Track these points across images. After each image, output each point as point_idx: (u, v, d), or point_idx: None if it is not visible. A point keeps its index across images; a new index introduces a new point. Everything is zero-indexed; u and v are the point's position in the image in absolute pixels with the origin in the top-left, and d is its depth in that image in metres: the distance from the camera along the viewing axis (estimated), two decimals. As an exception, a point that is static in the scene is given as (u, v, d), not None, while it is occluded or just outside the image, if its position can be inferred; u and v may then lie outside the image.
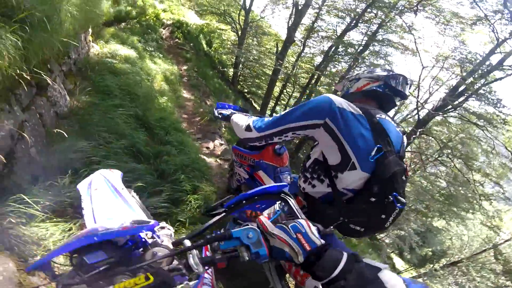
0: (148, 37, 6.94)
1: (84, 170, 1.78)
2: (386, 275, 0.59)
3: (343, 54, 9.38)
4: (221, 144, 4.31)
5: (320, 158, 1.06)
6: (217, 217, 0.74)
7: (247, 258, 0.62)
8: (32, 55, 1.72)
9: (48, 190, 1.59)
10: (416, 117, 7.70)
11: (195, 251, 0.63)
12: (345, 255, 0.64)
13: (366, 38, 8.52)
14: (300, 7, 7.86)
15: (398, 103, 1.20)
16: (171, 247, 0.74)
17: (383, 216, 1.00)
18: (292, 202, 0.75)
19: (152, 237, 0.78)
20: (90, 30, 3.86)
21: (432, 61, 7.82)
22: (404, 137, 1.14)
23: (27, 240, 1.33)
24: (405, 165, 1.02)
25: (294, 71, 9.79)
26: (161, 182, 2.15)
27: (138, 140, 2.44)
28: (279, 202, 0.80)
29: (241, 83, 11.52)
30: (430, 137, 7.87)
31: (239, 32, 10.03)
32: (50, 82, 2.07)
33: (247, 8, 9.68)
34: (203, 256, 0.67)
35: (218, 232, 0.66)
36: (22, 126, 1.70)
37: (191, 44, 9.10)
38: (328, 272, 0.61)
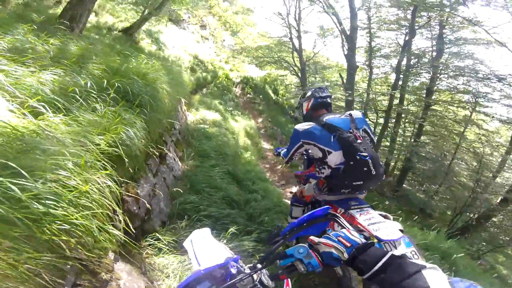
0: (226, 97, 8.15)
1: (195, 216, 2.34)
2: (430, 272, 0.57)
3: (417, 66, 8.40)
4: (304, 188, 4.45)
5: (317, 157, 1.75)
6: (277, 244, 0.88)
7: (303, 269, 0.76)
8: (152, 131, 2.36)
9: (171, 231, 2.16)
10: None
11: (264, 271, 0.82)
12: (390, 252, 0.66)
13: (434, 42, 7.54)
14: (348, 33, 7.75)
15: (330, 101, 1.94)
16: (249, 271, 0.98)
17: (365, 169, 1.58)
18: (340, 220, 0.88)
19: (238, 268, 1.02)
20: (183, 100, 4.85)
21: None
22: (354, 113, 1.77)
23: (155, 267, 1.79)
24: (354, 134, 1.64)
25: (370, 96, 9.19)
26: (250, 224, 2.51)
27: (231, 191, 2.94)
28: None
29: (315, 123, 11.49)
30: None
31: (299, 74, 10.39)
32: (167, 151, 2.84)
33: (298, 48, 10.17)
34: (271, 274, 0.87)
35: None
36: (154, 187, 2.37)
37: (260, 96, 10.06)
38: (369, 266, 0.66)
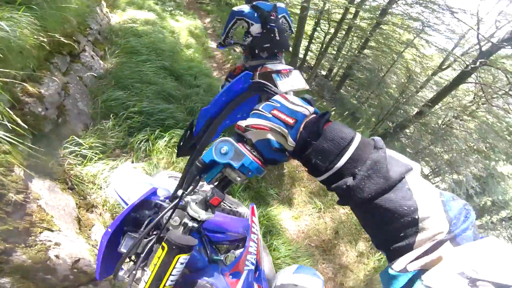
0: (164, -2, 6.67)
1: (123, 113, 2.00)
2: (415, 178, 0.36)
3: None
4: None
5: (245, 29, 2.37)
6: (195, 153, 0.59)
7: (239, 178, 0.48)
8: (52, 29, 1.87)
9: (96, 134, 1.84)
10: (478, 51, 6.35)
11: (189, 198, 0.56)
12: (358, 134, 0.39)
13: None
14: None
15: None
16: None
17: (272, 35, 2.28)
18: (269, 87, 0.53)
19: (159, 204, 0.70)
20: (103, 2, 3.91)
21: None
22: (279, 4, 2.45)
23: (84, 179, 1.54)
24: (271, 14, 2.32)
25: (326, 7, 8.73)
26: (190, 118, 2.28)
27: (168, 86, 2.55)
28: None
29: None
30: (498, 69, 6.46)
31: (254, -27, 9.10)
32: (86, 46, 2.21)
33: None
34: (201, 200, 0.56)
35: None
36: (67, 86, 1.97)
37: (210, -3, 8.65)
38: (328, 160, 0.37)
